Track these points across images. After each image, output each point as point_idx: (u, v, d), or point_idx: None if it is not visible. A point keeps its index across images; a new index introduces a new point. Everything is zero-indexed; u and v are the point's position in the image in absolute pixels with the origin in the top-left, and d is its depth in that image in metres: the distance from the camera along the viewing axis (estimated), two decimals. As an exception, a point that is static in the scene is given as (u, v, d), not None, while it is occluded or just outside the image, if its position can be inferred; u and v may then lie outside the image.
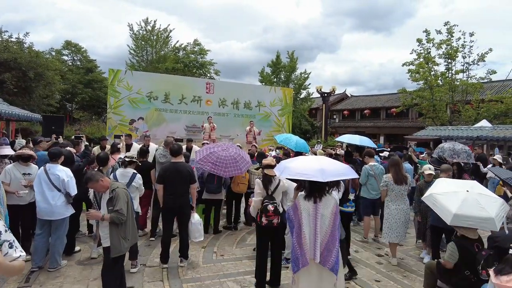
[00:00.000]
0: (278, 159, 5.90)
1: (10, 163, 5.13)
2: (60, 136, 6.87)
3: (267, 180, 4.32)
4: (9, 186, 4.69)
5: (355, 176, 3.51)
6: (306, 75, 29.27)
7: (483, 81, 20.10)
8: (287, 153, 7.12)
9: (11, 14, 60.73)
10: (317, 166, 3.11)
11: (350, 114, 36.89)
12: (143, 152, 6.42)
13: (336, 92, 27.65)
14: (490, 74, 19.61)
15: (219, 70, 30.54)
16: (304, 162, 3.32)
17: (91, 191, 4.63)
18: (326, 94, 23.88)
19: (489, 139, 13.87)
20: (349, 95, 40.66)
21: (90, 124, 22.77)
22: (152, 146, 8.20)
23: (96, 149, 7.81)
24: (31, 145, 7.52)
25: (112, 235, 3.49)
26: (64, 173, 4.62)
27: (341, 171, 3.24)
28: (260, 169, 5.38)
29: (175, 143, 5.64)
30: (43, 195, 4.50)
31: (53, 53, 27.11)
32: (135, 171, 4.89)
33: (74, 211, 4.91)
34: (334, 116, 37.86)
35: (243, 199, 7.18)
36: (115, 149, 6.10)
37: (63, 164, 4.81)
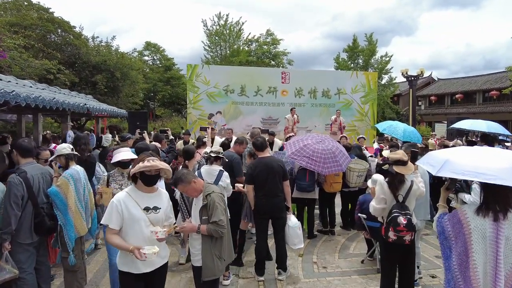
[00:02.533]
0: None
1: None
2: (145, 131, 6.65)
3: (398, 181, 3.19)
4: (121, 234, 2.48)
5: None
6: (387, 58, 26.63)
7: None
8: (395, 145, 5.90)
9: (102, 26, 68.72)
10: (505, 163, 2.02)
11: (438, 99, 32.94)
12: (226, 146, 5.88)
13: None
14: None
15: (292, 60, 29.48)
16: (479, 155, 2.20)
17: (177, 191, 4.12)
18: (413, 78, 21.28)
19: None
20: (436, 79, 36.32)
21: (171, 120, 23.78)
22: (234, 140, 7.70)
23: (179, 144, 7.56)
24: (117, 139, 7.56)
25: (205, 252, 2.79)
26: (154, 170, 4.16)
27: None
28: (377, 165, 4.26)
29: (260, 136, 4.91)
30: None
31: (135, 54, 28.95)
32: (221, 169, 4.24)
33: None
34: (419, 103, 34.09)
35: (337, 198, 6.23)
36: (200, 143, 5.60)
37: (149, 160, 4.39)
